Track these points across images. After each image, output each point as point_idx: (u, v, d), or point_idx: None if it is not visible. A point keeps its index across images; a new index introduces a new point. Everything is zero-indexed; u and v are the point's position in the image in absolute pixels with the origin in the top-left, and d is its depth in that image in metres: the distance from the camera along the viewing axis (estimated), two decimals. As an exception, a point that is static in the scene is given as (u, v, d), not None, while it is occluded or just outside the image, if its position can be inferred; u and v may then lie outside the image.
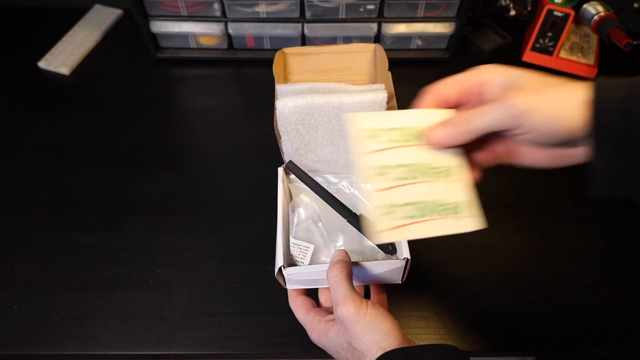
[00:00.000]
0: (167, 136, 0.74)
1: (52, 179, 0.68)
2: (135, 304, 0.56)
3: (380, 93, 0.50)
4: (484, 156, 0.40)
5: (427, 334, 0.55)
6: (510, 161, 0.40)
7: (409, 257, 0.45)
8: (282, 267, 0.47)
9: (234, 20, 0.79)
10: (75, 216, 0.64)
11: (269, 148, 0.69)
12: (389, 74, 0.54)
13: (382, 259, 0.50)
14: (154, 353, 0.53)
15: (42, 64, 0.82)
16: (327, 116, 0.50)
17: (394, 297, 0.54)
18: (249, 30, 0.80)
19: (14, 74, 0.82)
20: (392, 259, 0.50)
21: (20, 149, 0.71)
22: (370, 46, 0.56)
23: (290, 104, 0.49)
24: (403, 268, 0.47)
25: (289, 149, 0.54)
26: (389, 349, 0.38)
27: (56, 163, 0.70)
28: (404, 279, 0.49)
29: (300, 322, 0.48)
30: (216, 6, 0.77)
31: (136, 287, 0.57)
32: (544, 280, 0.59)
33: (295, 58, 0.57)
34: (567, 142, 0.34)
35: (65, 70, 0.82)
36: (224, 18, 0.79)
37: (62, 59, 0.83)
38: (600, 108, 0.32)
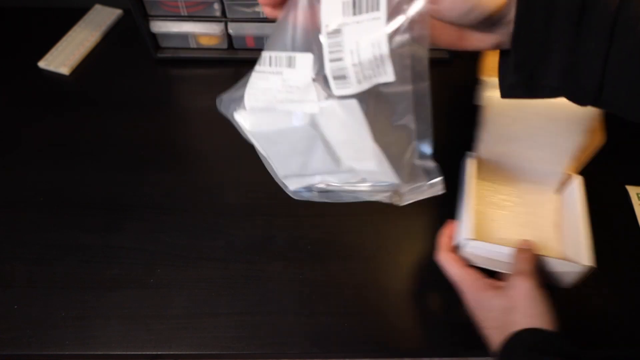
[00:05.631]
0: (167, 136, 0.74)
1: (52, 179, 0.68)
2: (135, 304, 0.56)
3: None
4: None
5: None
6: None
7: (595, 266, 0.46)
8: (468, 240, 0.48)
9: (234, 20, 0.79)
10: (75, 216, 0.64)
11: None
12: None
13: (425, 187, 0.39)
14: (154, 353, 0.53)
15: (42, 64, 0.82)
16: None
17: (398, 296, 0.54)
18: (249, 30, 0.80)
19: (14, 74, 0.82)
20: (571, 262, 0.49)
21: (20, 149, 0.71)
22: None
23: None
24: (580, 275, 0.48)
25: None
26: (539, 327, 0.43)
27: (56, 163, 0.70)
28: (571, 286, 0.50)
29: (452, 274, 0.51)
30: (216, 6, 0.77)
31: (136, 287, 0.57)
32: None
33: None
34: (483, 22, 0.32)
35: (65, 70, 0.82)
36: (224, 18, 0.79)
37: (62, 59, 0.83)
38: None
